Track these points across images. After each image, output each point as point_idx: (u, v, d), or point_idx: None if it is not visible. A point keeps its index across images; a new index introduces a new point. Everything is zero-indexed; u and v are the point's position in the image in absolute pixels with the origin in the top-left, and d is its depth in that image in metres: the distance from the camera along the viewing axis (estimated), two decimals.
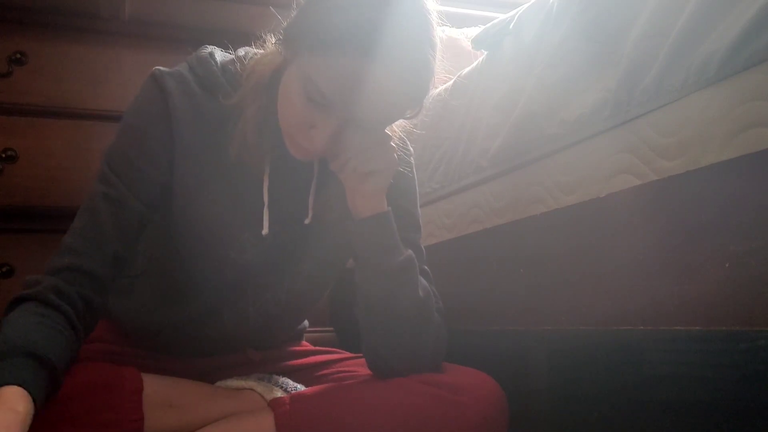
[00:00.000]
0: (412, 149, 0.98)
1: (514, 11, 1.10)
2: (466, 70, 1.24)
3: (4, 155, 1.32)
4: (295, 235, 0.91)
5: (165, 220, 0.88)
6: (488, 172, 1.10)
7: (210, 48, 0.89)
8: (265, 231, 0.86)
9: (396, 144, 0.86)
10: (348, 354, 1.04)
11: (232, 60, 0.86)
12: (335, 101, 0.72)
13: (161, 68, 0.85)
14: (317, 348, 1.07)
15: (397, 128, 0.89)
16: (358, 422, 0.79)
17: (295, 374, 0.97)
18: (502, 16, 1.14)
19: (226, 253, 0.88)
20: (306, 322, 1.12)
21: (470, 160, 1.15)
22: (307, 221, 0.89)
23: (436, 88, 0.81)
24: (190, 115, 0.83)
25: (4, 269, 1.35)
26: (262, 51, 0.85)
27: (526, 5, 1.07)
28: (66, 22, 1.42)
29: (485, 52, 1.18)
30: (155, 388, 0.80)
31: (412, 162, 0.97)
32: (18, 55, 1.36)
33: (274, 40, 0.84)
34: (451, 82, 1.29)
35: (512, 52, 1.08)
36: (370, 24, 0.69)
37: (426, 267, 0.93)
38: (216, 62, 0.86)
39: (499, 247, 1.06)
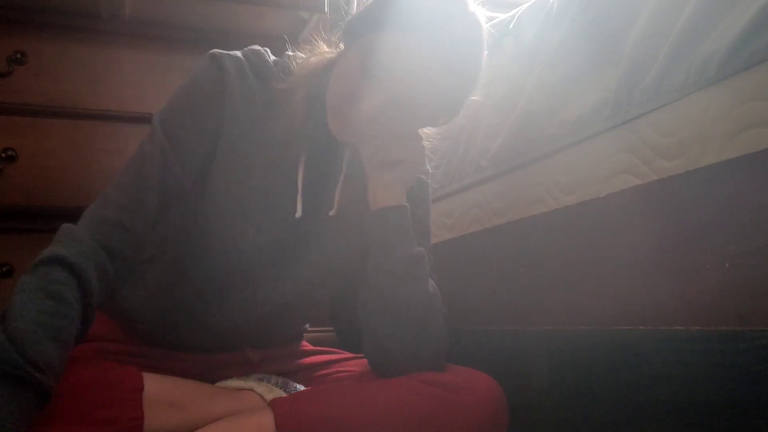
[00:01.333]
0: (430, 169, 1.00)
1: (514, 11, 1.10)
2: None
3: (4, 155, 1.32)
4: (314, 225, 0.92)
5: (196, 193, 0.89)
6: (488, 172, 1.10)
7: (261, 48, 0.93)
8: (298, 214, 0.88)
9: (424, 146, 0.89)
10: (348, 354, 1.04)
11: (282, 59, 0.91)
12: (392, 74, 0.76)
13: (219, 50, 0.88)
14: (317, 348, 1.07)
15: (424, 135, 0.92)
16: (358, 422, 0.79)
17: (295, 374, 0.97)
18: (502, 16, 1.14)
19: (246, 231, 0.89)
20: (306, 323, 1.12)
21: (470, 160, 1.15)
22: (332, 213, 0.91)
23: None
24: (241, 95, 0.86)
25: (4, 269, 1.35)
26: (310, 54, 0.90)
27: (526, 5, 1.07)
28: (66, 22, 1.42)
29: (485, 52, 1.18)
30: (156, 387, 0.80)
31: (429, 181, 1.00)
32: (18, 55, 1.36)
33: (327, 42, 0.90)
34: None
35: (512, 52, 1.08)
36: (441, 14, 0.76)
37: (433, 275, 0.94)
38: (269, 56, 0.91)
39: (499, 247, 1.06)
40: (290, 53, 0.91)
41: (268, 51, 0.92)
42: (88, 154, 1.41)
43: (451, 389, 0.83)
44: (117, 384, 0.76)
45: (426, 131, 0.92)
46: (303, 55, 0.91)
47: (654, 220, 0.76)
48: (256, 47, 0.92)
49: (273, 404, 0.81)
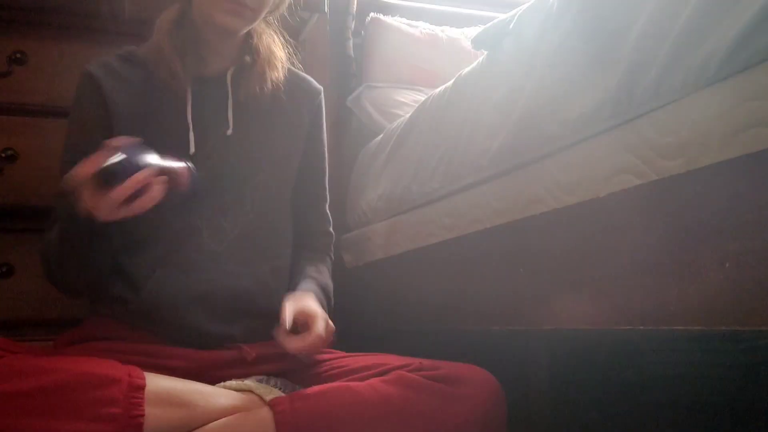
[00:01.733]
0: (320, 87, 1.22)
1: (514, 11, 1.10)
2: (466, 70, 1.24)
3: (4, 155, 1.32)
4: (232, 148, 1.07)
5: None
6: (488, 172, 1.10)
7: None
8: (191, 150, 1.02)
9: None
10: (342, 353, 1.05)
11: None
12: None
13: (89, 63, 1.08)
14: None
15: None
16: (357, 419, 0.79)
17: (291, 374, 0.97)
18: (502, 16, 1.13)
19: None
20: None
21: (470, 160, 1.15)
22: (228, 132, 1.06)
23: None
24: (116, 84, 1.05)
25: (4, 269, 1.35)
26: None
27: (526, 5, 1.07)
28: (66, 22, 1.42)
29: (485, 52, 1.18)
30: (157, 385, 0.80)
31: (322, 98, 1.22)
32: (18, 55, 1.36)
33: None
34: (451, 81, 1.29)
35: (512, 52, 1.08)
36: None
37: (330, 227, 1.24)
38: (138, 47, 1.09)
39: (499, 247, 1.06)
40: None
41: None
42: None
43: (450, 383, 0.83)
44: (119, 381, 0.77)
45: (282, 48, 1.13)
46: None
47: (654, 220, 0.76)
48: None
49: (272, 403, 0.81)
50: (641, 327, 0.76)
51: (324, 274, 1.16)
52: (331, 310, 1.10)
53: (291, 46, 1.16)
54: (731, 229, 0.66)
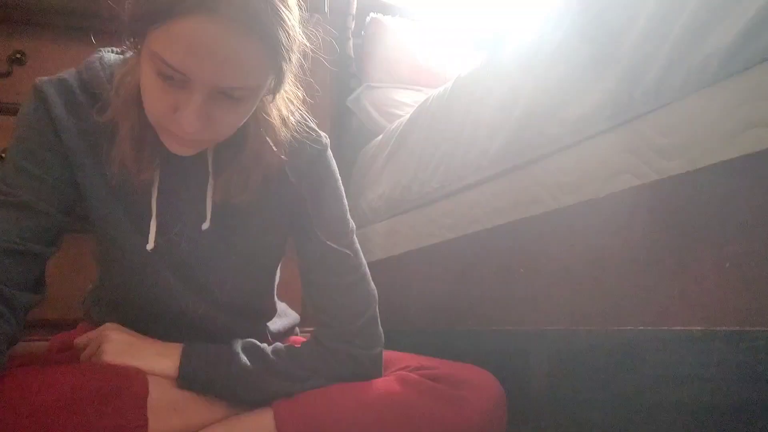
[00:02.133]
0: (327, 141, 0.93)
1: (515, 12, 1.10)
2: (466, 70, 1.24)
3: (4, 155, 1.32)
4: (201, 240, 0.87)
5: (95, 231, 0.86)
6: (488, 172, 1.10)
7: (102, 52, 0.85)
8: (150, 246, 0.82)
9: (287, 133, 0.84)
10: None
11: (120, 63, 0.82)
12: (188, 72, 0.66)
13: (43, 78, 0.81)
14: None
15: (285, 113, 0.85)
16: (357, 419, 0.79)
17: None
18: (502, 17, 1.13)
19: (148, 258, 0.84)
20: (296, 317, 1.11)
21: (470, 160, 1.15)
22: (205, 226, 0.85)
23: (306, 55, 0.78)
24: (74, 126, 0.80)
25: None
26: (122, 67, 0.80)
27: (526, 5, 1.07)
28: (66, 22, 1.42)
29: (485, 53, 1.18)
30: (160, 392, 0.80)
31: (329, 154, 0.93)
32: (18, 55, 1.36)
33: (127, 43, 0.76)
34: (451, 82, 1.29)
35: (512, 52, 1.08)
36: None
37: (364, 268, 0.92)
38: (104, 66, 0.82)
39: (499, 247, 1.06)
40: (129, 54, 0.79)
41: (105, 55, 0.84)
42: None
43: (451, 384, 0.83)
44: (123, 390, 0.76)
45: (287, 95, 0.84)
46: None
47: (654, 220, 0.76)
48: (93, 56, 0.84)
49: (273, 405, 0.81)
50: (641, 327, 0.76)
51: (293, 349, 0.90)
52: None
53: (301, 100, 0.88)
54: (731, 229, 0.66)
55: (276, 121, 0.83)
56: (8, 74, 1.35)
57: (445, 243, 1.24)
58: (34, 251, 0.78)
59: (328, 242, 0.89)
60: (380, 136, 1.65)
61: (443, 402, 0.82)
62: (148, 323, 0.89)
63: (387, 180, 1.50)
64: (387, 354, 0.95)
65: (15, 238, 0.76)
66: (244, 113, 0.74)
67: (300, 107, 0.87)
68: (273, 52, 0.70)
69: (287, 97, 0.85)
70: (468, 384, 0.84)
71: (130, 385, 0.78)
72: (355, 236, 0.94)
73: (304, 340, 1.08)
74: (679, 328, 0.71)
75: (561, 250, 0.91)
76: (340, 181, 0.95)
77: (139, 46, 0.71)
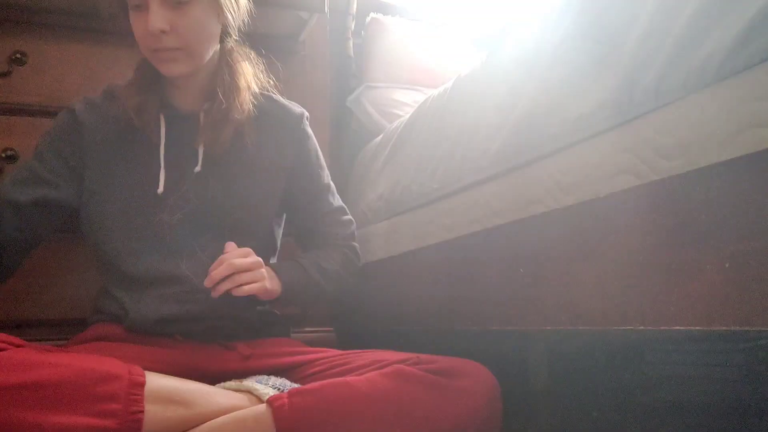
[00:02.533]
0: (300, 110, 1.19)
1: (515, 11, 1.10)
2: (466, 70, 1.24)
3: (4, 155, 1.32)
4: (203, 185, 1.06)
5: (94, 201, 1.05)
6: (488, 172, 1.10)
7: None
8: (160, 190, 1.03)
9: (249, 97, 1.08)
10: (341, 352, 1.05)
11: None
12: None
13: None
14: (310, 348, 1.07)
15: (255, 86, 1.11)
16: (356, 413, 0.80)
17: (289, 372, 0.97)
18: (502, 17, 1.13)
19: (159, 217, 1.03)
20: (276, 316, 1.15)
21: (470, 160, 1.15)
22: (197, 169, 1.05)
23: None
24: (96, 121, 1.07)
25: None
26: None
27: (526, 5, 1.07)
28: (66, 22, 1.42)
29: (485, 52, 1.18)
30: (157, 384, 0.80)
31: (305, 121, 1.19)
32: (18, 55, 1.36)
33: None
34: (451, 82, 1.29)
35: (512, 52, 1.08)
36: None
37: (332, 198, 1.23)
38: (125, 79, 1.10)
39: (499, 247, 1.06)
40: None
41: None
42: None
43: (447, 376, 0.84)
44: (120, 377, 0.77)
45: (255, 76, 1.11)
46: None
47: (654, 220, 0.76)
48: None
49: (271, 401, 0.82)
50: (641, 327, 0.76)
51: (323, 257, 1.17)
52: (329, 291, 1.16)
53: (266, 72, 1.13)
54: (731, 229, 0.66)
55: (242, 85, 1.07)
56: (8, 74, 1.35)
57: (445, 243, 1.23)
58: (29, 208, 1.01)
59: (318, 180, 1.21)
60: (380, 137, 1.65)
61: (439, 393, 0.82)
62: (155, 280, 1.01)
63: (387, 180, 1.50)
64: (386, 354, 0.95)
65: (19, 195, 1.00)
66: (196, 19, 0.97)
67: (272, 90, 1.15)
68: None
69: (254, 73, 1.11)
70: (463, 375, 0.85)
71: (128, 373, 0.78)
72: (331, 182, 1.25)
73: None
74: (679, 328, 0.71)
75: (561, 250, 0.91)
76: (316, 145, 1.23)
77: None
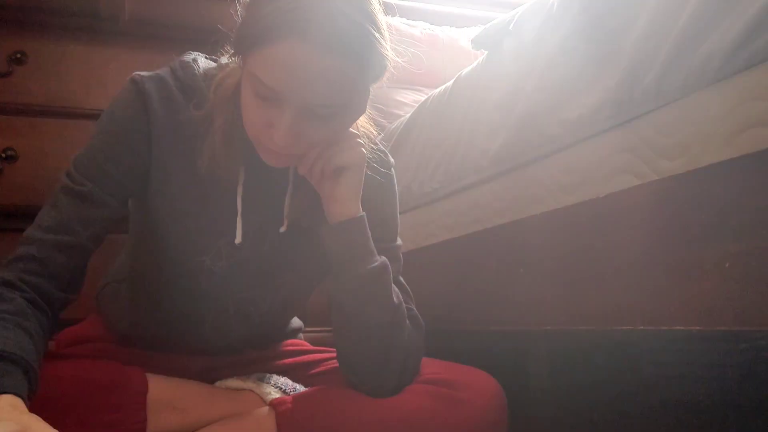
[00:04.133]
0: (393, 160, 0.98)
1: (514, 11, 1.10)
2: (466, 70, 1.24)
3: (4, 155, 1.32)
4: (275, 243, 0.89)
5: (142, 222, 0.88)
6: (488, 172, 1.10)
7: (194, 54, 0.89)
8: (237, 240, 0.85)
9: (363, 140, 0.85)
10: None
11: (214, 68, 0.86)
12: (282, 91, 0.71)
13: (142, 73, 0.84)
14: (314, 348, 1.07)
15: (364, 131, 0.89)
16: (358, 422, 0.79)
17: (292, 372, 0.97)
18: (502, 16, 1.14)
19: (201, 259, 0.86)
20: (300, 323, 1.12)
21: (470, 160, 1.15)
22: (282, 229, 0.88)
23: (390, 71, 0.80)
24: (169, 120, 0.83)
25: None
26: (221, 72, 0.85)
27: (526, 5, 1.07)
28: (66, 22, 1.42)
29: (485, 52, 1.18)
30: (159, 389, 0.80)
31: (393, 173, 0.97)
32: (18, 55, 1.36)
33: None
34: (451, 82, 1.29)
35: (512, 52, 1.08)
36: (299, 6, 0.69)
37: (401, 278, 0.93)
38: (198, 67, 0.86)
39: (499, 247, 1.06)
40: (224, 61, 0.86)
41: (199, 59, 0.88)
42: None
43: (452, 387, 0.83)
44: (122, 386, 0.77)
45: (364, 122, 0.89)
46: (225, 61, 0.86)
47: (654, 220, 0.76)
48: (187, 57, 0.88)
49: (274, 404, 0.81)
50: (641, 327, 0.76)
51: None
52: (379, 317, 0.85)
53: (372, 121, 0.92)
54: (731, 229, 0.66)
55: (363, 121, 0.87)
56: (8, 74, 1.35)
57: (445, 243, 1.23)
58: (84, 245, 0.80)
59: (382, 243, 0.90)
60: (380, 137, 1.65)
61: (443, 404, 0.82)
62: (176, 319, 0.90)
63: None
64: None
65: (75, 225, 0.79)
66: (333, 131, 0.78)
67: (371, 127, 0.91)
68: (361, 72, 0.74)
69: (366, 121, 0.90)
70: (468, 387, 0.84)
71: (130, 381, 0.78)
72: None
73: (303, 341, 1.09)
74: (679, 328, 0.71)
75: (561, 250, 0.91)
76: (398, 203, 0.99)
77: (240, 63, 0.77)
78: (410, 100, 1.80)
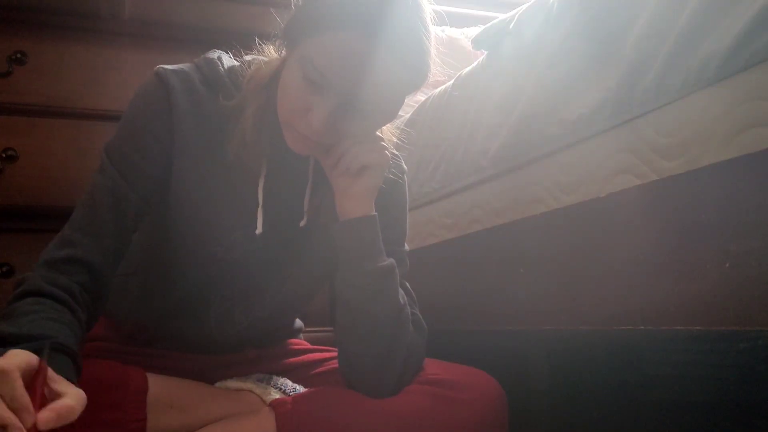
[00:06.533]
0: (406, 167, 0.98)
1: (514, 11, 1.10)
2: (466, 70, 1.24)
3: (4, 155, 1.32)
4: (288, 238, 0.90)
5: (159, 214, 0.88)
6: (488, 172, 1.10)
7: (219, 52, 0.90)
8: (258, 230, 0.86)
9: (388, 147, 0.86)
10: None
11: (239, 65, 0.87)
12: (332, 78, 0.72)
13: (166, 66, 0.85)
14: (314, 347, 1.07)
15: (388, 133, 0.90)
16: (358, 423, 0.79)
17: (292, 372, 0.97)
18: (502, 16, 1.14)
19: (214, 250, 0.87)
20: (301, 323, 1.12)
21: (470, 160, 1.15)
22: (302, 223, 0.89)
23: (433, 84, 0.83)
24: (191, 112, 0.84)
25: (4, 269, 1.35)
26: (266, 58, 0.87)
27: (526, 5, 1.07)
28: (66, 22, 1.42)
29: (485, 52, 1.18)
30: (159, 388, 0.80)
31: (405, 180, 0.97)
32: (18, 55, 1.36)
33: (274, 45, 0.85)
34: (451, 81, 1.29)
35: (512, 52, 1.08)
36: (367, 3, 0.71)
37: (407, 284, 0.93)
38: (223, 65, 0.87)
39: (499, 247, 1.06)
40: (248, 58, 0.88)
41: (223, 57, 0.89)
42: (88, 154, 1.42)
43: (451, 387, 0.83)
44: (122, 385, 0.77)
45: (388, 128, 0.90)
46: (262, 58, 0.87)
47: (654, 220, 0.76)
48: (211, 54, 0.89)
49: (274, 405, 0.81)
50: (641, 327, 0.76)
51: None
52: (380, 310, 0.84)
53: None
54: (731, 229, 0.66)
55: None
56: (8, 74, 1.35)
57: (444, 243, 1.24)
58: (118, 248, 0.82)
59: (389, 246, 0.89)
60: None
61: (444, 406, 0.81)
62: (182, 308, 0.91)
63: None
64: None
65: (111, 227, 0.80)
66: (366, 128, 0.80)
67: (392, 135, 0.92)
68: (411, 79, 0.77)
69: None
70: (468, 387, 0.84)
71: (130, 380, 0.78)
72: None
73: (303, 341, 1.09)
74: (679, 328, 0.71)
75: (561, 250, 0.91)
76: (407, 209, 0.98)
77: (283, 51, 0.81)
78: (410, 99, 1.80)
